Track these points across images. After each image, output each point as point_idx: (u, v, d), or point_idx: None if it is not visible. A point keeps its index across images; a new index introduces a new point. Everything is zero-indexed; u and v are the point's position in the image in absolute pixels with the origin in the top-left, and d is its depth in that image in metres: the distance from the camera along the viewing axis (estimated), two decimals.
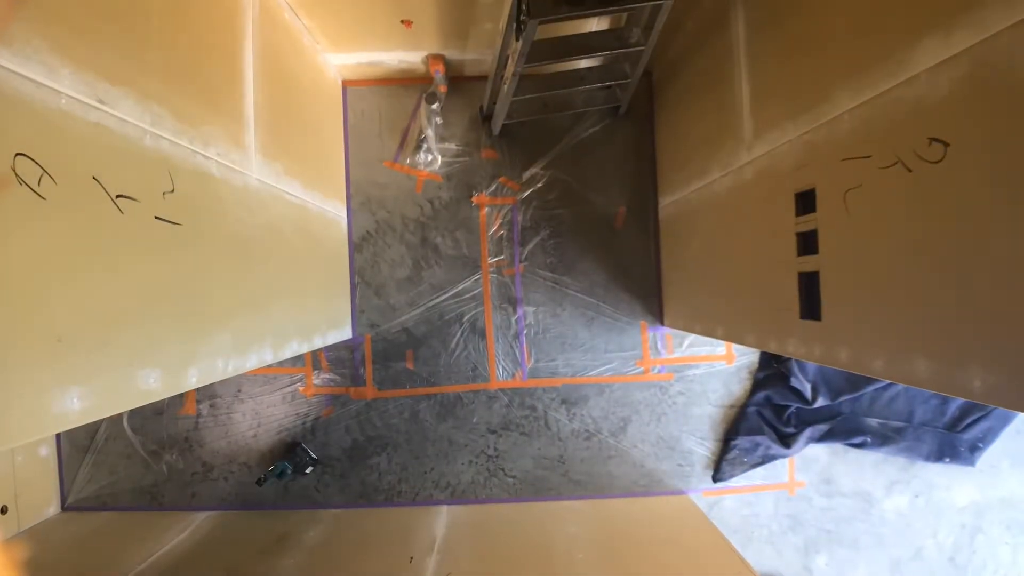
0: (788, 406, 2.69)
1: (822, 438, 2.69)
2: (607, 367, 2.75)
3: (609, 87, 2.48)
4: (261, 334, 1.64)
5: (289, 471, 2.56)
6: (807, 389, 2.65)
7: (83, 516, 2.70)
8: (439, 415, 2.74)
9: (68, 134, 0.93)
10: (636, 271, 2.75)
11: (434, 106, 2.64)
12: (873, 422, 2.70)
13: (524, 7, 1.65)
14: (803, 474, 2.77)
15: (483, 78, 2.59)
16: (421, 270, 2.73)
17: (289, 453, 2.66)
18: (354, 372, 2.72)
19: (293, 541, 2.41)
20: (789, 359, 2.62)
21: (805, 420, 2.70)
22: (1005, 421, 2.66)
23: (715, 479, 2.75)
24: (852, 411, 2.70)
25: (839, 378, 2.66)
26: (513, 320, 2.74)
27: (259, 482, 2.48)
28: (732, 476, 2.73)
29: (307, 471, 2.66)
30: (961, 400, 2.61)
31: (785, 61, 1.51)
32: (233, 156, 1.50)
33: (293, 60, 2.06)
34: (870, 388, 2.66)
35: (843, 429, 2.69)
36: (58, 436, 2.75)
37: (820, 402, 2.66)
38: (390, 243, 2.73)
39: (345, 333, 2.60)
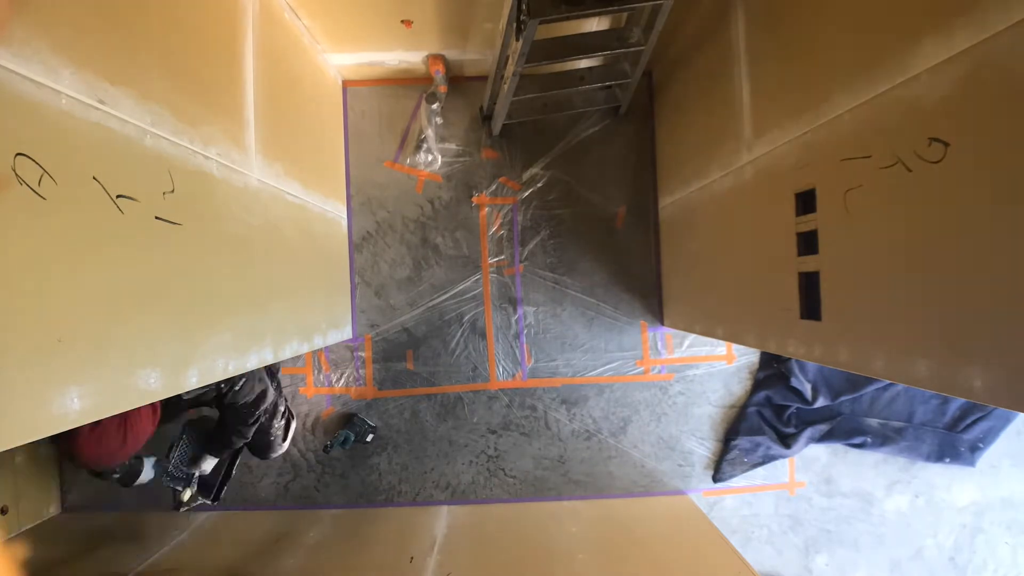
0: (788, 406, 2.69)
1: (822, 438, 2.69)
2: (607, 367, 2.75)
3: (609, 87, 2.48)
4: (261, 334, 1.64)
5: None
6: (807, 389, 2.65)
7: (83, 516, 2.70)
8: (439, 415, 2.74)
9: (68, 134, 0.93)
10: (636, 271, 2.75)
11: (434, 106, 2.64)
12: (873, 422, 2.70)
13: (524, 7, 1.65)
14: (803, 474, 2.77)
15: (483, 78, 2.59)
16: (421, 270, 2.73)
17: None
18: (354, 372, 2.73)
19: (293, 541, 2.41)
20: (789, 359, 2.62)
21: (805, 420, 2.70)
22: (1006, 421, 2.66)
23: (715, 479, 2.75)
24: (852, 411, 2.70)
25: (839, 378, 2.66)
26: (513, 320, 2.74)
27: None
28: (732, 476, 2.73)
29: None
30: (961, 400, 2.61)
31: (785, 61, 1.51)
32: (233, 156, 1.50)
33: (293, 60, 2.06)
34: (870, 388, 2.66)
35: (843, 429, 2.69)
36: None
37: (820, 402, 2.66)
38: (390, 243, 2.73)
39: (345, 333, 2.60)
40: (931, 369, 1.01)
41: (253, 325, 1.58)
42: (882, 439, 2.69)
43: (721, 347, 2.76)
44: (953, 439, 2.67)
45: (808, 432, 2.67)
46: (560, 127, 2.71)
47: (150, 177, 1.14)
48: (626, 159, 2.74)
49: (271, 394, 2.20)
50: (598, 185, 2.74)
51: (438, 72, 2.51)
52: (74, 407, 0.91)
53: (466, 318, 2.73)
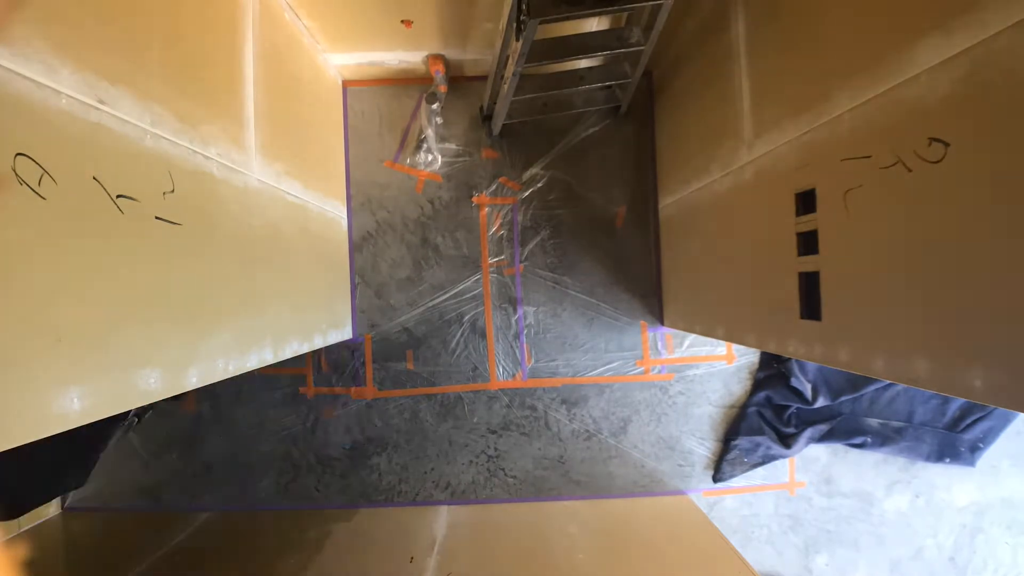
0: (789, 406, 2.69)
1: (822, 438, 2.69)
2: (607, 367, 2.75)
3: (609, 87, 2.48)
4: (261, 334, 1.64)
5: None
6: (807, 389, 2.65)
7: (83, 516, 2.70)
8: (439, 415, 2.74)
9: (68, 134, 0.93)
10: (636, 271, 2.75)
11: (434, 106, 2.64)
12: (873, 422, 2.70)
13: (524, 7, 1.65)
14: (803, 474, 2.77)
15: (483, 78, 2.59)
16: (421, 270, 2.73)
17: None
18: (354, 372, 2.73)
19: (293, 541, 2.41)
20: (790, 359, 2.62)
21: (805, 420, 2.70)
22: (1006, 421, 2.66)
23: (715, 479, 2.75)
24: (852, 411, 2.70)
25: (839, 378, 2.66)
26: (513, 320, 2.74)
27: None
28: (732, 476, 2.73)
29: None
30: (961, 400, 2.61)
31: (785, 61, 1.51)
32: (233, 156, 1.50)
33: (293, 60, 2.06)
34: (870, 388, 2.66)
35: (843, 429, 2.69)
36: None
37: (820, 402, 2.66)
38: (390, 243, 2.73)
39: (345, 333, 2.60)
40: (931, 369, 1.01)
41: (253, 325, 1.58)
42: (882, 439, 2.69)
43: (721, 347, 2.76)
44: (953, 439, 2.67)
45: (808, 432, 2.67)
46: (560, 127, 2.71)
47: (150, 177, 1.14)
48: (626, 159, 2.74)
49: None
50: (598, 185, 2.74)
51: (438, 72, 2.51)
52: (74, 407, 0.91)
53: (466, 318, 2.73)
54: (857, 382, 2.65)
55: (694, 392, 2.76)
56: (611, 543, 2.32)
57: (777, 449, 2.69)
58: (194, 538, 2.48)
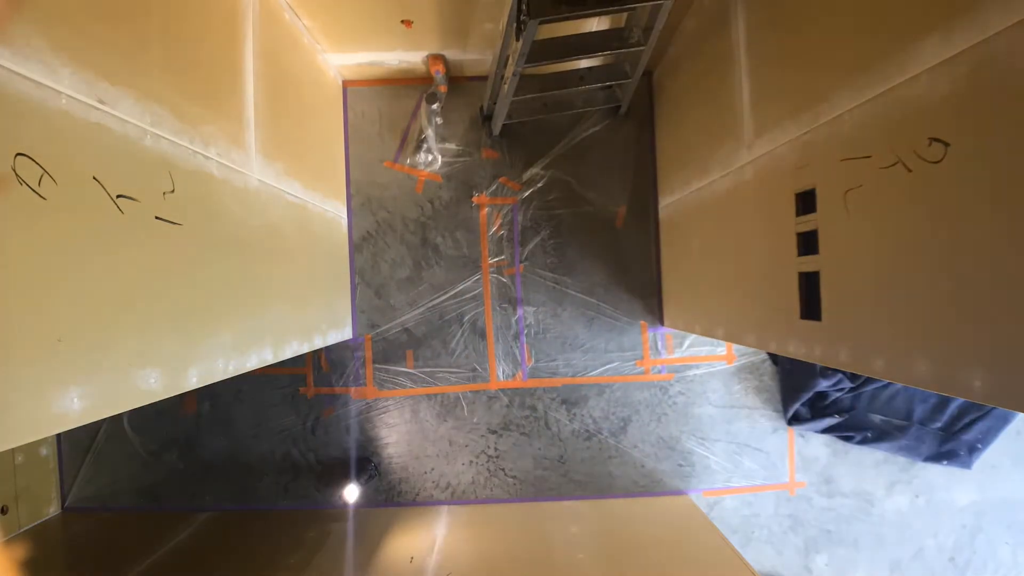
0: (827, 394, 2.69)
1: (827, 430, 2.69)
2: (607, 367, 2.75)
3: (609, 87, 2.48)
4: (261, 334, 1.64)
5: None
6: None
7: (83, 516, 2.70)
8: (439, 415, 2.74)
9: (68, 134, 0.93)
10: (636, 271, 2.75)
11: (434, 106, 2.64)
12: (876, 418, 2.70)
13: (524, 7, 1.65)
14: (803, 474, 2.77)
15: (483, 78, 2.59)
16: (421, 270, 2.73)
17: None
18: (354, 372, 2.73)
19: (293, 541, 2.41)
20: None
21: (821, 409, 2.70)
22: (1004, 421, 2.66)
23: (790, 423, 2.74)
24: (858, 407, 2.70)
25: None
26: (513, 320, 2.74)
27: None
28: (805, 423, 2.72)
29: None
30: (960, 399, 2.61)
31: (785, 61, 1.51)
32: (233, 156, 1.50)
33: (293, 60, 2.06)
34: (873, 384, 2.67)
35: (848, 424, 2.69)
36: (58, 436, 2.75)
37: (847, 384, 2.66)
38: (390, 243, 2.73)
39: (345, 333, 2.60)
40: (931, 369, 1.01)
41: (253, 325, 1.58)
42: (883, 435, 2.68)
43: (721, 347, 2.76)
44: (952, 441, 2.67)
45: (814, 423, 2.68)
46: (560, 127, 2.71)
47: (150, 177, 1.14)
48: (626, 159, 2.74)
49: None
50: (598, 185, 2.74)
51: (438, 72, 2.51)
52: (74, 407, 0.91)
53: (466, 318, 2.73)
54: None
55: (694, 392, 2.76)
56: (611, 543, 2.32)
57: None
58: (194, 538, 2.48)
